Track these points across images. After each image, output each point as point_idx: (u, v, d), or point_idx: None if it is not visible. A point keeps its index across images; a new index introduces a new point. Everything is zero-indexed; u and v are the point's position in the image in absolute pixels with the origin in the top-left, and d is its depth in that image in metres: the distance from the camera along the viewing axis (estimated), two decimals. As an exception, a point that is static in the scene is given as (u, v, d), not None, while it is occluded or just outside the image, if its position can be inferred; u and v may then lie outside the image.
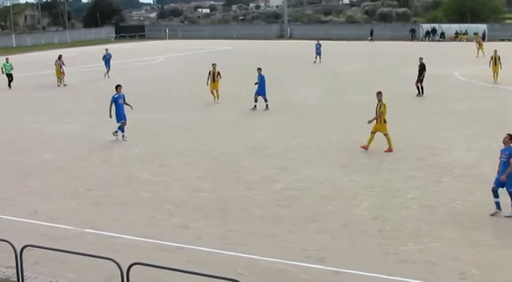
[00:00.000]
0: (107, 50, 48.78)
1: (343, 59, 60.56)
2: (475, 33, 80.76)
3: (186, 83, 43.28)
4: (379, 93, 22.16)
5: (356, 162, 20.92)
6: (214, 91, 33.45)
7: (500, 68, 40.30)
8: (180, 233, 14.68)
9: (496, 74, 40.33)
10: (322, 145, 23.07)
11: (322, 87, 39.84)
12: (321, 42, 58.59)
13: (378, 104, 22.06)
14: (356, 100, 33.34)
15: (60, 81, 42.93)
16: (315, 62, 56.48)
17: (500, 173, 15.14)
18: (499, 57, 40.33)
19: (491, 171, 19.30)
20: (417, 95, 35.25)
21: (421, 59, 36.08)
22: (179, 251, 13.54)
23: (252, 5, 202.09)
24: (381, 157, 21.44)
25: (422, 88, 35.42)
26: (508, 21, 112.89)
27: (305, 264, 12.70)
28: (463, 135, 24.71)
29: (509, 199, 15.06)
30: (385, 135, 22.09)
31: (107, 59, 47.68)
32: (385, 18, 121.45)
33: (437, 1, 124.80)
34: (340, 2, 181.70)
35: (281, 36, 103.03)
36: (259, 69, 31.47)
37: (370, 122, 22.15)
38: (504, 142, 15.17)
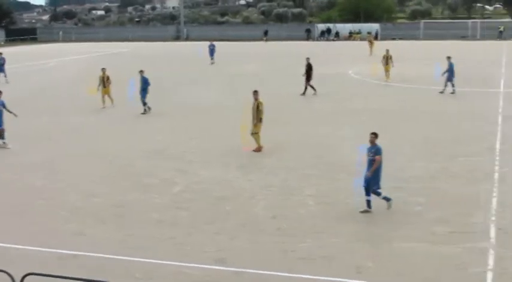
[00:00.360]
0: (1, 53, 46.40)
1: (239, 59, 60.93)
2: (369, 33, 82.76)
3: (79, 86, 42.35)
4: (255, 92, 22.11)
5: (253, 162, 21.05)
6: (106, 96, 32.55)
7: (392, 66, 41.47)
8: (76, 240, 14.34)
9: (388, 73, 41.39)
10: (219, 146, 23.07)
11: (218, 88, 39.87)
12: (214, 43, 58.55)
13: (254, 103, 22.03)
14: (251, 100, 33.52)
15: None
16: (212, 63, 56.31)
17: (369, 171, 15.46)
18: (390, 57, 41.46)
19: (385, 165, 19.91)
20: (301, 94, 35.71)
21: (307, 59, 36.47)
22: (75, 259, 13.22)
23: (147, 6, 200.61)
24: (278, 156, 21.66)
25: (312, 87, 35.93)
26: (399, 20, 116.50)
27: (205, 266, 12.66)
28: (357, 132, 25.23)
29: (371, 196, 15.52)
30: (254, 134, 22.07)
31: (0, 63, 45.44)
32: (281, 18, 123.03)
33: (332, 1, 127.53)
34: (237, 3, 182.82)
35: (177, 38, 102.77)
36: (141, 71, 30.86)
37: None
38: (370, 141, 15.50)
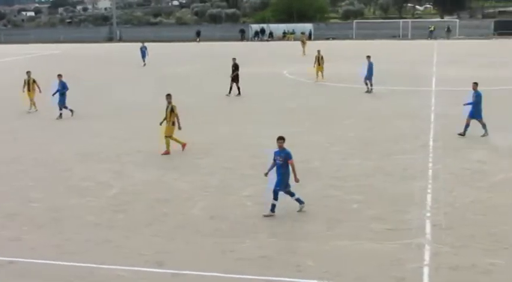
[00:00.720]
0: None
1: (172, 61, 60.57)
2: (302, 33, 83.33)
3: (7, 90, 41.44)
4: (168, 96, 22.03)
5: (190, 163, 20.95)
6: (32, 99, 31.55)
7: (323, 66, 41.65)
8: (12, 246, 13.99)
9: (320, 73, 41.59)
10: (154, 148, 22.81)
11: (150, 90, 39.45)
12: (146, 44, 57.67)
13: (168, 106, 21.89)
14: (186, 102, 33.41)
15: None
16: (144, 65, 55.38)
17: (279, 175, 15.35)
18: (322, 57, 41.63)
19: (321, 165, 20.10)
20: (227, 95, 35.69)
21: (234, 59, 36.45)
22: (12, 265, 12.90)
23: (79, 7, 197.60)
24: (214, 157, 21.60)
25: (238, 88, 35.91)
26: (332, 20, 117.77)
27: (143, 269, 12.52)
28: (293, 131, 25.37)
29: (289, 196, 15.56)
30: (168, 137, 21.95)
31: None
32: (214, 19, 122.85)
33: (266, 2, 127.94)
34: (170, 4, 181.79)
35: (110, 39, 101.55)
36: (59, 75, 29.99)
37: (161, 123, 22.18)
38: (279, 146, 15.46)
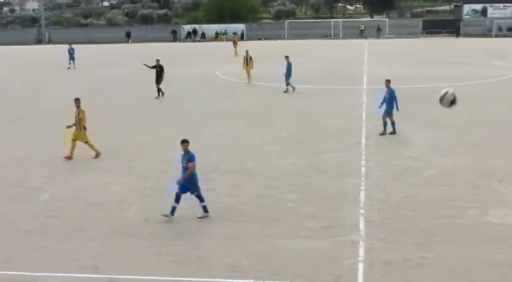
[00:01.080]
0: None
1: (102, 62, 59.86)
2: (234, 33, 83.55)
3: None
4: (76, 100, 21.75)
5: (123, 165, 20.74)
6: None
7: (252, 67, 41.51)
8: None
9: (249, 74, 41.49)
10: (86, 151, 22.43)
11: (81, 92, 38.86)
12: (74, 46, 56.41)
13: (76, 111, 21.57)
14: (117, 103, 33.12)
15: None
16: (69, 68, 54.11)
17: (185, 178, 15.37)
18: (250, 58, 41.46)
19: (255, 165, 20.17)
20: (156, 98, 35.14)
21: (157, 60, 35.90)
22: None
23: (5, 8, 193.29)
24: (147, 159, 21.44)
25: (160, 89, 35.37)
26: (264, 21, 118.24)
27: (78, 275, 12.32)
28: (227, 132, 25.42)
29: (199, 201, 15.52)
30: (86, 142, 21.66)
31: None
32: (146, 20, 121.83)
33: (197, 2, 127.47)
34: (100, 5, 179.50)
35: (39, 41, 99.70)
36: None
37: (68, 127, 21.81)
38: (183, 149, 15.36)
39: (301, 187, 17.80)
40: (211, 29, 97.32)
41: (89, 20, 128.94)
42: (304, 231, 14.33)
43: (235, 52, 62.72)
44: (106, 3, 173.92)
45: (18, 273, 12.49)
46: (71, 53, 54.61)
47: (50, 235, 14.62)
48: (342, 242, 13.68)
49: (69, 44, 57.29)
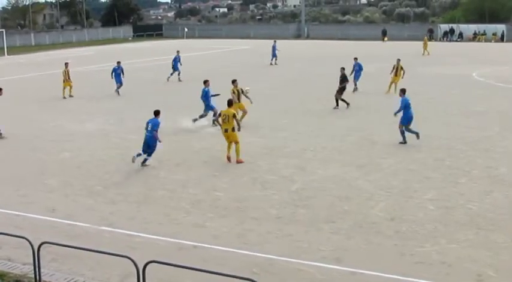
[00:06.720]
0: (119, 62, 39.04)
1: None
2: (494, 34, 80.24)
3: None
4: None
5: (373, 162, 20.84)
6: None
7: (401, 78, 36.25)
8: (196, 231, 14.70)
9: (393, 84, 36.05)
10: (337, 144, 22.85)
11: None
12: (277, 41, 56.70)
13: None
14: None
15: (70, 91, 37.37)
16: (270, 64, 54.44)
17: (145, 142, 20.45)
18: (401, 67, 36.59)
19: (508, 172, 19.29)
20: (334, 108, 31.53)
21: (342, 69, 32.04)
22: (195, 250, 13.57)
23: (269, 4, 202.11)
24: (399, 157, 21.34)
25: (338, 101, 31.27)
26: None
27: (321, 264, 12.67)
28: (482, 136, 24.56)
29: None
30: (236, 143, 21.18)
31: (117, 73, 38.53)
32: (403, 18, 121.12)
33: (456, 1, 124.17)
34: (358, 2, 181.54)
35: (298, 36, 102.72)
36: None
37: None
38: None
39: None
40: (469, 28, 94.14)
41: (346, 17, 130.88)
42: None
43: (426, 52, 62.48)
44: (364, 1, 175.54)
45: (267, 256, 13.10)
46: (274, 48, 54.81)
47: (299, 223, 15.14)
48: None
49: (274, 41, 56.88)
